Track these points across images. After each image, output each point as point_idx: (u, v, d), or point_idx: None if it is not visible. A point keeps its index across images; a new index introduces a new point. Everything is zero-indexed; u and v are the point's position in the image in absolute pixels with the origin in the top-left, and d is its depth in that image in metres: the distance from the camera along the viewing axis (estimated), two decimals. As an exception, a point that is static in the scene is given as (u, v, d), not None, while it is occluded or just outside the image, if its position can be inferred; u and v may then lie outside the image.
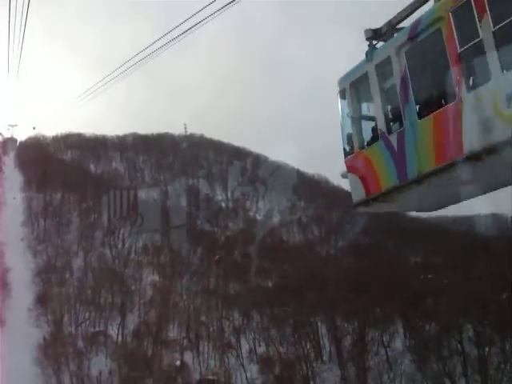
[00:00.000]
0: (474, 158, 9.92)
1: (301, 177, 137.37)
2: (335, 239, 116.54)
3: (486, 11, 9.57)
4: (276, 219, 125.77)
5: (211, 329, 77.63)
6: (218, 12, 15.58)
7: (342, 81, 13.17)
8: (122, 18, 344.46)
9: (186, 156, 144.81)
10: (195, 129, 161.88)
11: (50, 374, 67.76)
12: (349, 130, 13.26)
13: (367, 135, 12.71)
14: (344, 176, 13.69)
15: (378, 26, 12.66)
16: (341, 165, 13.33)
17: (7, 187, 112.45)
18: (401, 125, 11.63)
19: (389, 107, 12.11)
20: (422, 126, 11.00)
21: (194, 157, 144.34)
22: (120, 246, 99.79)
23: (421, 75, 11.53)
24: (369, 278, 78.95)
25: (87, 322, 78.90)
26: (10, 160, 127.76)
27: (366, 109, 13.06)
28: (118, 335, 76.89)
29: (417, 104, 11.36)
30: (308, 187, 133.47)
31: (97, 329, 77.65)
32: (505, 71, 9.39)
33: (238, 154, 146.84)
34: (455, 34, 10.23)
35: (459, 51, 10.16)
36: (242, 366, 70.66)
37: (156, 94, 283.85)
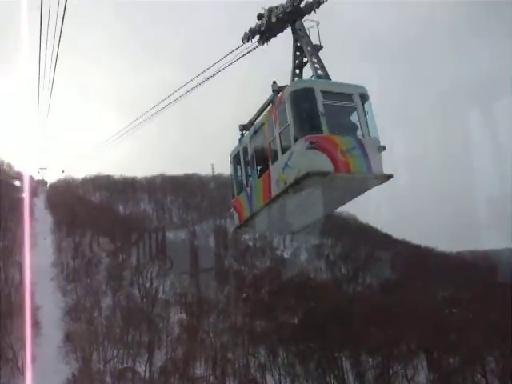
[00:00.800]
0: (275, 198, 16.56)
1: (328, 215, 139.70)
2: (362, 276, 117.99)
3: (277, 121, 16.23)
4: (303, 257, 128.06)
5: (237, 365, 79.35)
6: (243, 54, 17.57)
7: (230, 154, 19.95)
8: (152, 59, 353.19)
9: (213, 196, 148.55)
10: (223, 169, 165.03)
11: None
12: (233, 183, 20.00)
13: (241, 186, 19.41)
14: (232, 213, 20.35)
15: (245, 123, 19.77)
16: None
17: (38, 229, 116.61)
18: (250, 181, 18.38)
19: (247, 171, 18.66)
20: (258, 182, 17.74)
21: (221, 197, 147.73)
22: (148, 285, 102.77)
23: (259, 153, 17.82)
24: (394, 313, 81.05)
25: (115, 359, 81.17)
26: (40, 202, 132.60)
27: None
28: (145, 372, 79.13)
29: (258, 169, 17.95)
30: (336, 225, 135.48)
31: (125, 365, 79.89)
32: (282, 155, 15.97)
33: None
34: (268, 132, 17.02)
35: (269, 141, 16.82)
36: (268, 401, 72.49)
37: (184, 136, 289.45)
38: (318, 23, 16.41)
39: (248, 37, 17.28)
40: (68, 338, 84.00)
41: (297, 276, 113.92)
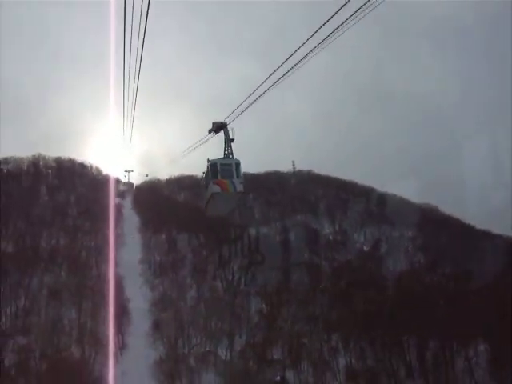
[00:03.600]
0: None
1: (409, 206, 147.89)
2: (442, 266, 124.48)
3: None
4: (383, 249, 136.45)
5: (311, 350, 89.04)
6: (320, 47, 19.13)
7: (208, 162, 29.25)
8: (225, 58, 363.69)
9: (294, 192, 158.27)
10: (303, 165, 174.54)
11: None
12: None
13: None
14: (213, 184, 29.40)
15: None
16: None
17: (126, 228, 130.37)
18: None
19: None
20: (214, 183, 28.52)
21: (302, 193, 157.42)
22: (230, 278, 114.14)
23: None
24: (463, 301, 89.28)
25: (199, 345, 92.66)
26: (127, 203, 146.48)
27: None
28: (226, 356, 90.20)
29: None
30: (416, 217, 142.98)
31: (207, 349, 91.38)
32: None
33: (346, 187, 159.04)
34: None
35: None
36: (336, 379, 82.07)
37: (264, 133, 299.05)
38: (233, 128, 28.79)
39: (211, 131, 29.38)
40: (155, 326, 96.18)
41: (375, 266, 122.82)
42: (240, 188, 28.61)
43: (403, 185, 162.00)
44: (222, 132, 28.74)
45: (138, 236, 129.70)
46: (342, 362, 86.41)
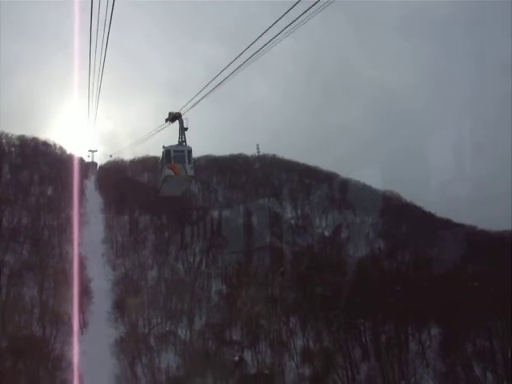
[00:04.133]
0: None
1: (370, 193, 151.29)
2: (401, 253, 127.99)
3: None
4: (344, 235, 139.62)
5: (269, 331, 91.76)
6: (289, 31, 19.29)
7: (163, 148, 32.27)
8: (191, 41, 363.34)
9: (258, 176, 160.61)
10: (268, 149, 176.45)
11: (125, 366, 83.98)
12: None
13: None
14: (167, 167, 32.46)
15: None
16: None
17: (89, 208, 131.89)
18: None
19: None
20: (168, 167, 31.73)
21: (266, 176, 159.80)
22: (192, 259, 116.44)
23: None
24: (420, 287, 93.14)
25: (159, 325, 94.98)
26: (91, 183, 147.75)
27: None
28: (185, 335, 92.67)
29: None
30: (378, 203, 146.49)
31: (167, 329, 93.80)
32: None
33: (309, 172, 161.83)
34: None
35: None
36: (293, 360, 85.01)
37: (229, 116, 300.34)
38: (187, 118, 31.53)
39: (167, 120, 31.84)
40: (117, 306, 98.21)
41: (335, 251, 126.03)
42: (191, 172, 31.81)
43: (367, 172, 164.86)
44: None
45: (101, 216, 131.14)
46: (299, 343, 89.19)
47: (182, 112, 30.71)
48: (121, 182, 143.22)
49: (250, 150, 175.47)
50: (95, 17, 19.69)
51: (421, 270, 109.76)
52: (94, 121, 51.62)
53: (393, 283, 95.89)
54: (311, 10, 17.84)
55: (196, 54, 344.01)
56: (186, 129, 31.73)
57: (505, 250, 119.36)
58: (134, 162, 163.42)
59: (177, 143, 31.79)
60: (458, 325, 78.36)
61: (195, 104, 28.32)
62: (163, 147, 32.14)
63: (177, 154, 31.55)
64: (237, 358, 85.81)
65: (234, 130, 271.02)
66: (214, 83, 25.05)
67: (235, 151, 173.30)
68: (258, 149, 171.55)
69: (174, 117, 31.20)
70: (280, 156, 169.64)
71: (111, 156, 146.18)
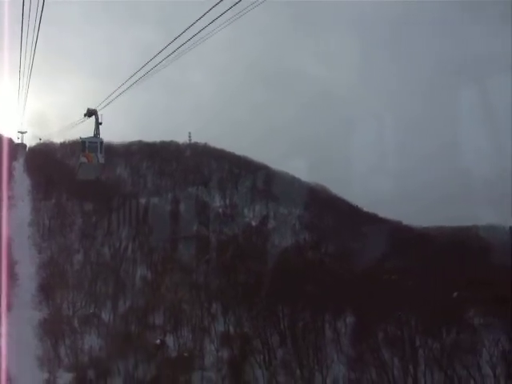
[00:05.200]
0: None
1: (299, 185, 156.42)
2: (325, 245, 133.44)
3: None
4: (271, 225, 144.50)
5: (191, 316, 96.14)
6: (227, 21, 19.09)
7: (80, 139, 37.49)
8: (124, 25, 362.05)
9: (188, 164, 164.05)
10: (200, 137, 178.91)
11: (48, 347, 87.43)
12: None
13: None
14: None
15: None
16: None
17: (16, 190, 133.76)
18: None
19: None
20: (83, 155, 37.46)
21: (196, 165, 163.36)
22: (118, 245, 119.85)
23: None
24: (340, 278, 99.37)
25: (83, 308, 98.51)
26: (19, 165, 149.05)
27: None
28: (109, 319, 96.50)
29: None
30: (305, 195, 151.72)
31: (91, 311, 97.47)
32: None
33: (240, 162, 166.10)
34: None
35: None
36: (213, 344, 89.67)
37: (163, 103, 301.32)
38: (102, 114, 36.51)
39: (85, 115, 36.60)
40: (42, 289, 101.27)
41: (261, 240, 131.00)
42: (102, 160, 37.77)
43: (296, 164, 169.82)
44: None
45: (29, 198, 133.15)
46: (220, 328, 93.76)
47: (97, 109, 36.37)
48: (49, 165, 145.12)
49: (182, 138, 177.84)
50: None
51: (342, 262, 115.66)
52: (24, 102, 56.10)
53: (314, 273, 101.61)
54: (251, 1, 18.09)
55: (131, 38, 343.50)
56: (101, 123, 37.14)
57: (427, 245, 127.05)
58: (63, 145, 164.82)
59: (92, 135, 37.32)
60: (371, 314, 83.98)
61: (127, 89, 29.72)
62: (80, 138, 38.01)
63: (91, 145, 37.12)
64: (158, 342, 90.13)
65: (167, 117, 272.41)
66: (147, 68, 25.51)
67: (167, 138, 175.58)
68: (189, 137, 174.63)
69: (90, 113, 36.57)
70: (211, 145, 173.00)
71: (40, 139, 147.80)
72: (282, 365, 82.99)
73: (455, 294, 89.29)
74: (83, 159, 37.59)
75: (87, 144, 37.28)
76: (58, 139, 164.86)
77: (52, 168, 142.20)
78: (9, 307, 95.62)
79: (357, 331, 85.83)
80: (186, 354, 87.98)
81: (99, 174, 44.04)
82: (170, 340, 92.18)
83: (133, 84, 28.38)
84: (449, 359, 76.01)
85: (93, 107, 35.91)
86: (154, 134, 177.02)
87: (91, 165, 37.93)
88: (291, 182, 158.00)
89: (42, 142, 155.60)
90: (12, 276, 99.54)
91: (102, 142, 37.51)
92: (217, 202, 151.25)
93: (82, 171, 39.71)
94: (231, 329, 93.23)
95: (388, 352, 78.89)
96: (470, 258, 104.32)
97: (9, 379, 75.43)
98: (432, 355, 77.33)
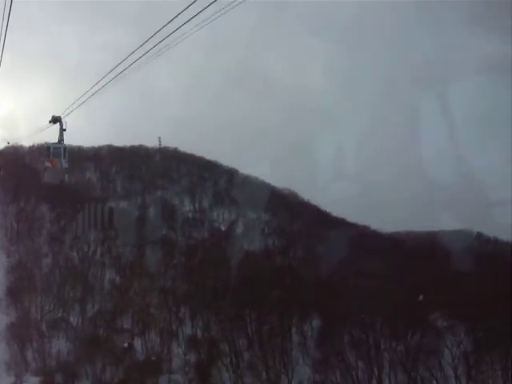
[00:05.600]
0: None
1: (268, 190, 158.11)
2: (294, 250, 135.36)
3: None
4: (240, 230, 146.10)
5: (159, 320, 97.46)
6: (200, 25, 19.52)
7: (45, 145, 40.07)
8: (95, 26, 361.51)
9: (158, 168, 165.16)
10: (170, 142, 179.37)
11: (15, 351, 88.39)
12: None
13: None
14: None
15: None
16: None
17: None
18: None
19: None
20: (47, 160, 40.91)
21: (165, 169, 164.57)
22: (86, 249, 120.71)
23: None
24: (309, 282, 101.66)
25: (51, 312, 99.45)
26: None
27: None
28: (77, 322, 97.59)
29: None
30: (275, 200, 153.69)
31: (59, 315, 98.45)
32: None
33: (209, 167, 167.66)
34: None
35: None
36: (181, 348, 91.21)
37: (134, 106, 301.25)
38: (66, 121, 38.12)
39: (50, 122, 38.09)
40: (9, 292, 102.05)
41: (229, 245, 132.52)
42: (65, 165, 40.49)
43: (266, 169, 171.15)
44: None
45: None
46: (187, 332, 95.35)
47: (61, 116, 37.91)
48: (18, 168, 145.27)
49: (152, 142, 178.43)
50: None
51: (309, 267, 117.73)
52: None
53: (282, 278, 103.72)
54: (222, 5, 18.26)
55: (103, 40, 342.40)
56: (65, 130, 38.85)
57: (395, 249, 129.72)
58: (32, 149, 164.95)
59: (56, 141, 39.43)
60: (337, 318, 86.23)
61: (95, 92, 30.07)
62: (45, 144, 41.01)
63: (55, 151, 39.73)
64: (126, 345, 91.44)
65: (138, 121, 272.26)
66: (118, 71, 25.60)
67: (137, 142, 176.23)
68: (159, 141, 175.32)
69: (55, 119, 38.29)
70: (182, 150, 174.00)
71: (9, 143, 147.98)
72: (249, 367, 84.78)
73: (421, 297, 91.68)
74: (48, 164, 40.56)
75: (51, 150, 39.96)
76: (26, 143, 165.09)
77: (20, 171, 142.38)
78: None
79: (322, 334, 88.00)
80: (153, 358, 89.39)
81: (63, 177, 47.74)
82: (138, 344, 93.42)
83: (101, 88, 28.78)
84: (412, 361, 78.42)
85: (58, 114, 37.93)
86: (124, 139, 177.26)
87: (55, 169, 40.91)
88: (261, 186, 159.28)
89: (10, 145, 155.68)
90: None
91: (65, 148, 40.06)
92: (186, 207, 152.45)
93: (47, 175, 43.05)
94: (199, 332, 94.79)
95: (353, 355, 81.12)
96: (436, 263, 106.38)
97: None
98: (396, 357, 79.69)
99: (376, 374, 79.73)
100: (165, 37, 20.18)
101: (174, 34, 19.82)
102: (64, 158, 39.89)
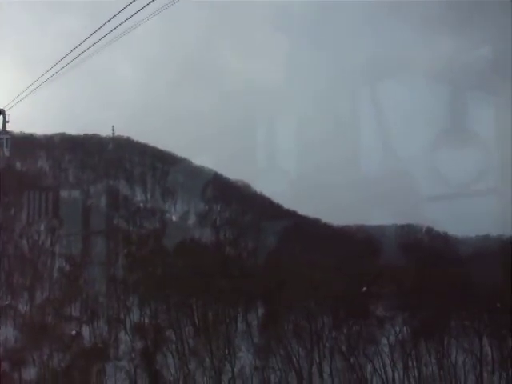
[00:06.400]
0: None
1: (221, 182, 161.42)
2: (245, 241, 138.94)
3: None
4: (191, 221, 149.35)
5: (107, 308, 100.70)
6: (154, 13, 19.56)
7: None
8: (49, 12, 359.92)
9: (110, 158, 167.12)
10: (123, 131, 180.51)
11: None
12: None
13: None
14: None
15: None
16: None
17: None
18: None
19: None
20: None
21: (118, 159, 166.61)
22: (36, 237, 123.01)
23: None
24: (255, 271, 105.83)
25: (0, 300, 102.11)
26: None
27: None
28: (25, 310, 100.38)
29: None
30: (227, 192, 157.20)
31: (6, 303, 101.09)
32: None
33: (162, 157, 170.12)
34: None
35: None
36: (128, 335, 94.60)
37: (88, 94, 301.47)
38: (9, 114, 40.60)
39: None
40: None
41: (181, 235, 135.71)
42: (7, 154, 42.06)
43: (219, 159, 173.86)
44: None
45: None
46: (135, 320, 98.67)
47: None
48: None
49: (105, 131, 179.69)
50: None
51: (258, 258, 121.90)
52: None
53: (230, 268, 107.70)
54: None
55: (56, 25, 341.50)
56: (8, 121, 41.33)
57: (344, 242, 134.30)
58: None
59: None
60: (280, 306, 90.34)
61: (46, 80, 30.42)
62: None
63: None
64: (74, 333, 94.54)
65: (91, 109, 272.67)
66: (70, 58, 25.72)
67: (90, 131, 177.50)
68: (113, 130, 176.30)
69: None
70: (134, 139, 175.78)
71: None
72: (194, 354, 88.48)
73: (364, 288, 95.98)
74: None
75: None
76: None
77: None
78: None
79: (266, 322, 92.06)
80: (100, 345, 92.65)
81: (4, 164, 49.09)
82: (85, 331, 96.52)
83: (54, 75, 29.04)
84: (352, 349, 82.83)
85: (7, 102, 41.02)
86: (77, 127, 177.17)
87: None
88: (214, 177, 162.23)
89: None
90: None
91: (8, 138, 41.97)
92: (138, 197, 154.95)
93: None
94: (146, 320, 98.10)
95: (294, 342, 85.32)
96: (383, 255, 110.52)
97: None
98: (336, 345, 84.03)
99: (317, 360, 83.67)
100: (119, 24, 20.43)
101: (128, 21, 20.00)
102: (6, 147, 42.06)
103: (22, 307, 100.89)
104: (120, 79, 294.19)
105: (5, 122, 41.39)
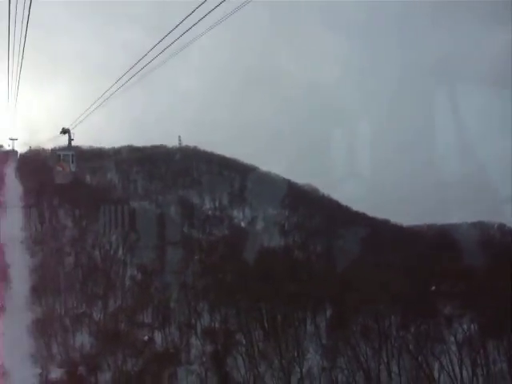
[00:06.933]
0: None
1: (289, 186, 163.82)
2: (313, 245, 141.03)
3: None
4: (260, 226, 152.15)
5: (179, 314, 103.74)
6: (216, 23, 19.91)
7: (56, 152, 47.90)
8: (115, 26, 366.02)
9: (178, 167, 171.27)
10: (189, 141, 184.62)
11: (41, 345, 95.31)
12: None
13: None
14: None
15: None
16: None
17: (8, 196, 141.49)
18: None
19: None
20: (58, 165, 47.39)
21: (186, 168, 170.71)
22: (108, 247, 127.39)
23: None
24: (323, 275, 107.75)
25: (74, 308, 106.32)
26: (11, 171, 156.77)
27: None
28: (99, 318, 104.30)
29: None
30: (295, 196, 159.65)
31: (82, 311, 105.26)
32: None
33: (229, 164, 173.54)
34: None
35: None
36: (199, 340, 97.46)
37: (152, 106, 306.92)
38: (74, 133, 45.14)
39: (61, 133, 45.14)
40: (34, 290, 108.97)
41: (249, 241, 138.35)
42: (73, 169, 47.79)
43: (285, 165, 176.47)
44: None
45: (21, 204, 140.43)
46: (205, 324, 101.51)
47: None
48: (40, 171, 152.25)
49: (171, 142, 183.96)
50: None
51: (327, 261, 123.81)
52: (14, 107, 67.42)
53: (298, 272, 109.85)
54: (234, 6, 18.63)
55: (123, 39, 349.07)
56: (73, 139, 45.82)
57: (416, 242, 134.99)
58: (54, 151, 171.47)
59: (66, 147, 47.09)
60: (348, 308, 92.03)
61: (115, 91, 30.30)
62: (56, 150, 50.77)
63: (64, 157, 47.19)
64: (146, 338, 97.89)
65: (158, 121, 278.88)
66: (135, 70, 26.12)
67: (157, 142, 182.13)
68: (179, 140, 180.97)
69: (64, 131, 45.32)
70: (201, 148, 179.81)
71: (30, 147, 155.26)
72: (263, 356, 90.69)
73: (433, 287, 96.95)
74: (58, 168, 47.96)
75: (62, 157, 47.41)
76: (48, 146, 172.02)
77: (43, 174, 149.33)
78: (3, 309, 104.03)
79: (333, 324, 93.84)
80: (171, 350, 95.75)
81: (71, 178, 52.95)
82: (157, 337, 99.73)
83: (119, 89, 29.46)
84: (420, 348, 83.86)
85: (77, 116, 44.54)
86: (144, 139, 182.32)
87: (65, 172, 48.11)
88: (281, 183, 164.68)
89: (32, 148, 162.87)
90: (6, 279, 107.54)
91: (73, 155, 47.41)
92: (207, 205, 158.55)
93: (59, 177, 50.13)
94: (216, 325, 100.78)
95: (362, 343, 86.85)
96: (454, 254, 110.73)
97: (4, 374, 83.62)
98: (404, 345, 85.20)
99: (385, 360, 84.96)
100: (177, 37, 20.74)
101: (186, 34, 20.32)
102: (72, 162, 47.21)
103: (96, 315, 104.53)
104: (184, 89, 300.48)
105: (70, 140, 45.83)
